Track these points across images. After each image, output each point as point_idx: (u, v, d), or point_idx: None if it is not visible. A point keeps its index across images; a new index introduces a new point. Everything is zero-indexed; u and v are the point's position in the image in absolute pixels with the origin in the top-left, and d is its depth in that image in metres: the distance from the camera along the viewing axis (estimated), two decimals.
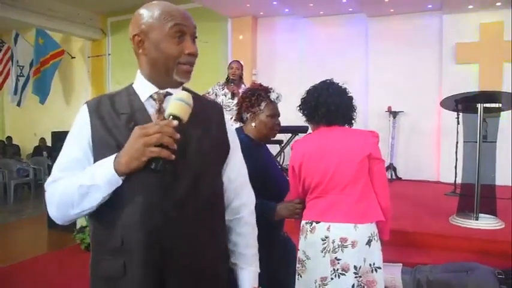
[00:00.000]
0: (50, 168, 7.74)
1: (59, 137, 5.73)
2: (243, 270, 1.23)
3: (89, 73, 9.92)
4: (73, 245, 4.18)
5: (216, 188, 1.18)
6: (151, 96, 1.12)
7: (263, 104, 1.93)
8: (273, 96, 1.96)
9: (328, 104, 1.92)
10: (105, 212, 1.07)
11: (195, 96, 1.17)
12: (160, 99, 1.11)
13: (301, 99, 2.04)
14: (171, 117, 1.01)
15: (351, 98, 2.00)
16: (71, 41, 9.96)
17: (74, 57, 10.01)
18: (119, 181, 1.01)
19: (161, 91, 1.12)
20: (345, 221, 1.81)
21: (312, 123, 2.02)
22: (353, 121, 2.02)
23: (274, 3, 7.07)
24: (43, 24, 8.69)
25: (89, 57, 9.87)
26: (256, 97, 1.93)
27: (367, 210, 1.85)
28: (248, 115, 1.95)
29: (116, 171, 1.00)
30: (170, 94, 1.12)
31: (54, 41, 9.50)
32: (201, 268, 1.11)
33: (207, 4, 7.32)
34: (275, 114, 1.96)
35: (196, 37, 1.14)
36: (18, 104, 9.67)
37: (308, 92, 2.02)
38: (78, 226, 4.23)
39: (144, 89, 1.13)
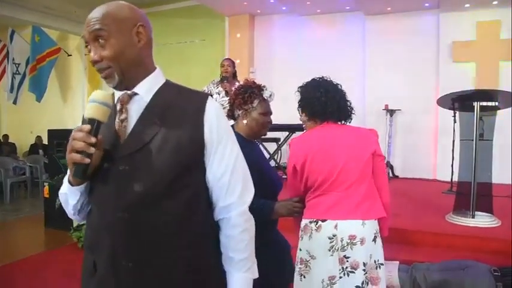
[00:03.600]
0: (46, 166, 7.71)
1: (56, 135, 5.68)
2: (230, 274, 1.16)
3: (85, 71, 9.89)
4: (70, 244, 4.17)
5: (186, 187, 1.09)
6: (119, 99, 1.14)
7: (256, 102, 1.92)
8: (266, 94, 1.95)
9: (323, 102, 1.93)
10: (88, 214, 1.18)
11: (177, 89, 1.17)
12: (123, 101, 1.11)
13: (299, 94, 2.05)
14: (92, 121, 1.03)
15: (344, 94, 2.00)
16: (67, 38, 9.92)
17: (71, 55, 9.97)
18: (75, 190, 1.11)
19: (129, 92, 1.11)
20: (353, 218, 1.81)
21: (310, 121, 2.01)
22: (352, 115, 2.01)
23: (272, 1, 7.07)
24: (39, 22, 8.66)
25: (85, 54, 9.78)
26: (249, 94, 1.92)
27: (372, 207, 1.86)
28: (240, 112, 1.93)
29: (69, 181, 1.11)
30: (137, 94, 1.11)
31: (50, 39, 9.47)
32: (158, 270, 1.07)
33: (204, 2, 7.31)
34: (267, 112, 1.95)
35: (99, 37, 1.05)
36: (15, 102, 9.63)
37: (301, 92, 2.03)
38: (75, 224, 4.22)
39: (120, 92, 1.15)
